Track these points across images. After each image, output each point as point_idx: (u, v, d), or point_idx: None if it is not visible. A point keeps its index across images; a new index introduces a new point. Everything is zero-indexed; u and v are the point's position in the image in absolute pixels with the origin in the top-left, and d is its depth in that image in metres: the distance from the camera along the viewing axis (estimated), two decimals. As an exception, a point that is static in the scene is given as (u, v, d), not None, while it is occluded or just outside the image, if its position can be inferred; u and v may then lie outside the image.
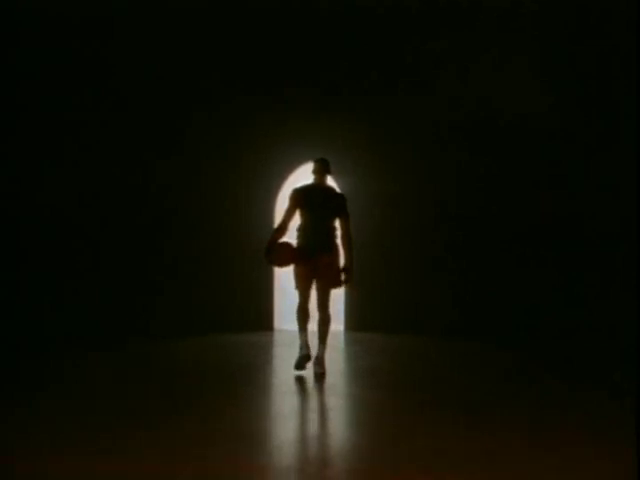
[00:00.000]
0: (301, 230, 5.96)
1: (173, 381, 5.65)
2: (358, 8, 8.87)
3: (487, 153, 8.86)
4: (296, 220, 6.03)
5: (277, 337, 8.56)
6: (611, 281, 8.38)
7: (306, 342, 5.95)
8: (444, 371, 6.40)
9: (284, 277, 8.12)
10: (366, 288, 8.91)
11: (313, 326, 6.03)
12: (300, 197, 5.95)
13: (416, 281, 9.01)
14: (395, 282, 9.03)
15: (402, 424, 4.26)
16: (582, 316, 8.39)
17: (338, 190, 7.12)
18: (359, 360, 7.08)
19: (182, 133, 9.07)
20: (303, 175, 8.02)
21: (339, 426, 4.44)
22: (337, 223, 5.98)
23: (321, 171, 5.98)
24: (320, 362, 5.91)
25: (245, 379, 5.77)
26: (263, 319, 9.12)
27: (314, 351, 6.02)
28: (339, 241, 5.97)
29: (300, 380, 5.67)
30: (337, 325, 8.54)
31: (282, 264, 5.90)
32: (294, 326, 6.29)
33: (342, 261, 5.94)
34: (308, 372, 5.90)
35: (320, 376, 5.78)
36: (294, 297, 6.03)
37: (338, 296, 8.47)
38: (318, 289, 5.92)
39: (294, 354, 6.21)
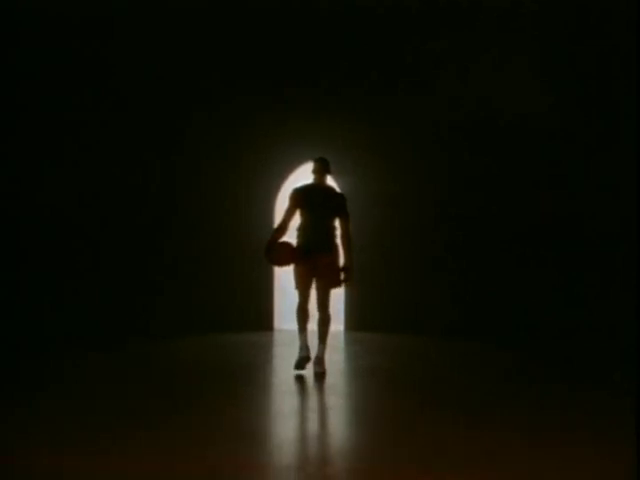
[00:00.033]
0: (301, 230, 5.95)
1: (173, 381, 5.64)
2: (358, 8, 8.88)
3: (487, 153, 8.86)
4: (296, 220, 6.03)
5: (277, 337, 8.56)
6: (611, 281, 8.38)
7: (306, 343, 5.94)
8: (444, 371, 6.40)
9: (284, 277, 8.12)
10: (366, 288, 8.91)
11: (313, 326, 6.03)
12: (300, 197, 5.94)
13: (416, 281, 9.01)
14: (395, 282, 9.03)
15: (402, 424, 4.26)
16: (582, 316, 8.39)
17: (338, 190, 7.11)
18: (359, 360, 7.07)
19: (182, 133, 9.07)
20: (303, 175, 8.02)
21: (339, 425, 4.43)
22: (337, 223, 5.97)
23: (321, 171, 5.97)
24: (320, 362, 5.90)
25: (245, 379, 5.77)
26: (263, 319, 9.12)
27: (314, 352, 6.01)
28: (339, 241, 5.97)
29: (300, 380, 5.66)
30: (337, 325, 8.54)
31: (282, 264, 5.89)
32: (294, 326, 6.28)
33: (342, 261, 5.94)
34: (308, 372, 5.90)
35: (320, 376, 5.77)
36: (294, 297, 6.03)
37: (338, 296, 8.46)
38: (318, 289, 5.91)
39: (294, 353, 6.20)
